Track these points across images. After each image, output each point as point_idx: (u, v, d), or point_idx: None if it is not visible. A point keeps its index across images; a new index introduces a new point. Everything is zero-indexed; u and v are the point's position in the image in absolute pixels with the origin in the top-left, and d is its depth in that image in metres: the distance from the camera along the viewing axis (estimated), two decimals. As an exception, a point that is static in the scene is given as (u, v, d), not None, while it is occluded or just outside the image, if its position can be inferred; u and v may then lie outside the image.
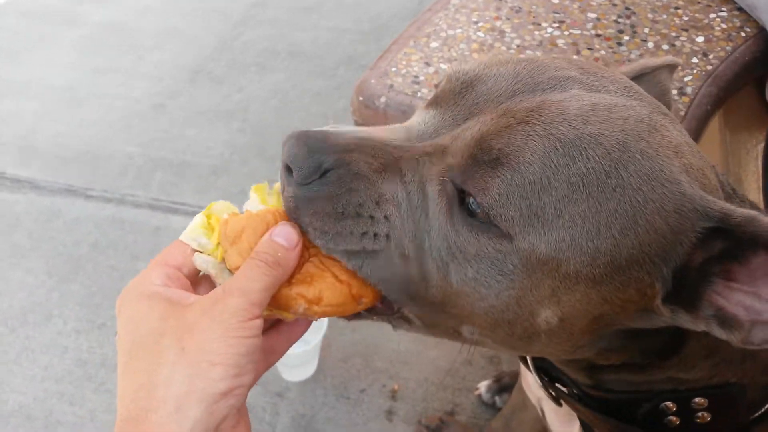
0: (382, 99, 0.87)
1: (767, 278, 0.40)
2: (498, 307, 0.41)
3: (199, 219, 0.46)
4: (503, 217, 0.39)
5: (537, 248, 0.39)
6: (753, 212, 0.40)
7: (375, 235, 0.42)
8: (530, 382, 0.75)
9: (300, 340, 1.33)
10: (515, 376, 1.24)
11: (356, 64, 1.94)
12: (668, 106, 0.53)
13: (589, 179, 0.39)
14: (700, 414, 0.51)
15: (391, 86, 0.88)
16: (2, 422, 1.22)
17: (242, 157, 1.70)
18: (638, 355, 0.49)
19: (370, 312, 0.47)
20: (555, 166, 0.38)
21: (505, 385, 1.23)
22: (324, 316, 0.44)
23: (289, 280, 0.43)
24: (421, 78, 0.90)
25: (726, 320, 0.41)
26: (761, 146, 1.07)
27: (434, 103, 0.46)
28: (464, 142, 0.41)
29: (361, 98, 0.88)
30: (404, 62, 0.92)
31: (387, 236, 0.42)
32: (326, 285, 0.43)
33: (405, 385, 1.26)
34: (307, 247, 0.44)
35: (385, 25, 2.07)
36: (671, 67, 0.55)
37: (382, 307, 0.46)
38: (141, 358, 0.38)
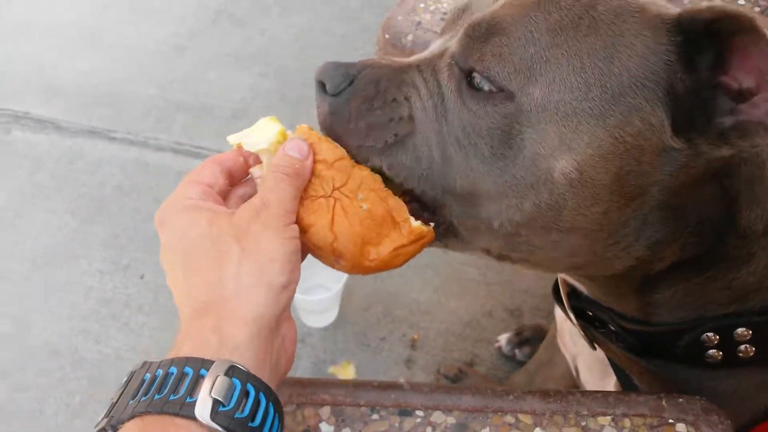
0: (409, 37, 0.83)
1: (760, 62, 0.40)
2: (518, 174, 0.44)
3: (269, 127, 0.49)
4: (501, 74, 0.44)
5: (535, 96, 0.43)
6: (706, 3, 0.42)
7: (400, 118, 0.47)
8: (566, 338, 0.74)
9: (322, 286, 1.32)
10: (537, 329, 1.22)
11: (382, 5, 1.87)
12: None
13: (565, 24, 0.43)
14: (743, 347, 0.50)
15: (419, 23, 0.84)
16: (30, 356, 1.25)
17: (264, 101, 1.67)
18: (692, 240, 0.47)
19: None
20: (534, 21, 0.44)
21: (526, 338, 1.22)
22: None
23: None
24: (452, 17, 0.85)
25: (747, 131, 0.42)
26: None
27: (441, 33, 0.52)
28: (461, 32, 0.47)
29: (387, 36, 0.84)
30: (433, -1, 0.87)
31: (410, 118, 0.47)
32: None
33: (425, 335, 1.26)
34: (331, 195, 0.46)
35: (414, -34, 1.99)
36: None
37: (429, 217, 0.49)
38: (203, 258, 0.42)
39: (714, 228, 0.47)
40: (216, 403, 0.37)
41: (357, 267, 0.46)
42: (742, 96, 0.42)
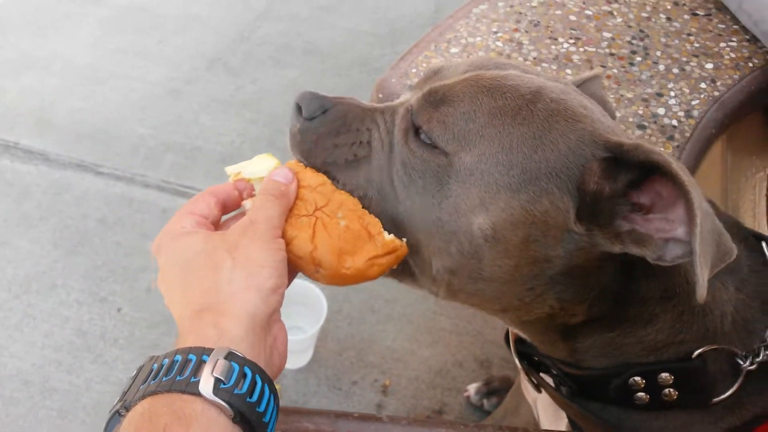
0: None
1: (669, 200, 0.48)
2: (443, 217, 0.51)
3: (265, 161, 0.56)
4: (441, 138, 0.51)
5: (465, 161, 0.50)
6: (639, 141, 0.49)
7: (361, 142, 0.55)
8: (528, 384, 0.78)
9: (299, 328, 1.35)
10: (505, 380, 1.26)
11: (370, 66, 1.98)
12: (611, 113, 0.59)
13: (505, 111, 0.50)
14: (666, 391, 0.55)
15: (411, 86, 0.91)
16: (0, 386, 1.24)
17: (252, 146, 1.73)
18: (597, 304, 0.54)
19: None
20: (480, 102, 0.51)
21: (494, 389, 1.26)
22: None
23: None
24: (439, 81, 0.93)
25: (639, 239, 0.48)
26: (760, 175, 1.11)
27: (413, 88, 0.60)
28: (421, 92, 0.55)
29: (380, 95, 0.91)
30: (424, 65, 0.95)
31: (369, 143, 0.55)
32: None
33: (396, 381, 1.29)
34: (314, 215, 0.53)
35: (401, 30, 2.11)
36: (598, 78, 0.66)
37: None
38: (200, 269, 0.47)
39: (615, 294, 0.54)
40: (217, 381, 0.41)
41: (335, 276, 0.51)
42: (641, 208, 0.49)
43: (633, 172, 0.49)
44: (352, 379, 1.29)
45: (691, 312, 0.55)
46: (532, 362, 0.64)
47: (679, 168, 0.46)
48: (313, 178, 0.53)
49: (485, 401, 1.25)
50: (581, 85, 0.62)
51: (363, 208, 0.53)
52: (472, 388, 1.26)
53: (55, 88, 1.89)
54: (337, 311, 1.36)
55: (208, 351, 0.42)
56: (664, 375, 0.55)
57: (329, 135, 0.54)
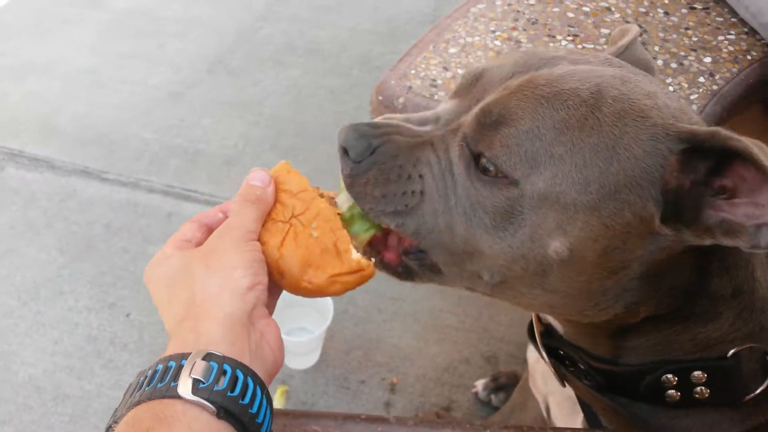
0: (401, 99, 0.91)
1: (754, 185, 0.45)
2: (513, 245, 0.49)
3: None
4: (507, 164, 0.47)
5: (537, 186, 0.47)
6: (714, 128, 0.46)
7: (413, 192, 0.51)
8: (537, 380, 0.78)
9: (305, 329, 1.36)
10: (512, 376, 1.27)
11: (371, 65, 1.98)
12: (652, 72, 0.58)
13: (570, 123, 0.47)
14: (698, 389, 0.54)
15: (410, 88, 0.92)
16: (13, 393, 1.26)
17: (256, 149, 1.74)
18: (665, 300, 0.52)
19: (412, 260, 0.54)
20: (542, 117, 0.47)
21: (502, 384, 1.27)
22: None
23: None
24: (439, 81, 0.93)
25: (730, 229, 0.46)
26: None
27: (454, 95, 0.55)
28: (474, 116, 0.51)
29: (380, 98, 0.91)
30: (423, 65, 0.95)
31: (422, 192, 0.51)
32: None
33: (404, 380, 1.30)
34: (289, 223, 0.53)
35: (401, 28, 2.11)
36: (637, 40, 0.61)
37: (419, 257, 0.54)
38: (179, 286, 0.49)
39: (686, 291, 0.52)
40: (196, 381, 0.42)
41: (296, 287, 0.52)
42: (725, 191, 0.47)
43: (711, 158, 0.46)
44: (359, 378, 1.30)
45: (750, 309, 0.54)
46: (558, 355, 0.63)
47: (761, 152, 0.44)
48: (296, 183, 0.54)
49: (493, 397, 1.25)
50: (623, 53, 0.59)
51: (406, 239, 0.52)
52: (479, 384, 1.27)
53: (58, 93, 1.90)
54: (344, 311, 1.37)
55: (187, 355, 0.44)
56: (698, 373, 0.54)
57: (378, 184, 0.51)
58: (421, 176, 0.52)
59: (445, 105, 0.55)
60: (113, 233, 1.54)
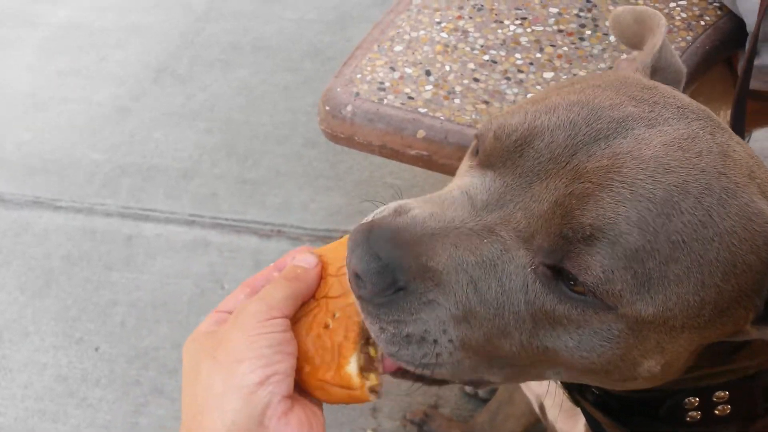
0: (349, 108, 0.86)
1: None
2: (599, 363, 0.41)
3: None
4: (610, 292, 0.38)
5: (644, 312, 0.39)
6: None
7: (437, 354, 0.42)
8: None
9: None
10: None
11: (322, 56, 1.92)
12: (682, 78, 0.52)
13: (688, 234, 0.38)
14: (720, 407, 0.51)
15: (357, 94, 0.87)
16: (-16, 445, 1.21)
17: (212, 158, 1.68)
18: (709, 359, 0.48)
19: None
20: (653, 228, 0.37)
21: (487, 375, 1.25)
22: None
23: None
24: (387, 84, 0.89)
25: None
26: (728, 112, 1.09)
27: (488, 164, 0.43)
28: (545, 219, 0.40)
29: (327, 108, 0.87)
30: (369, 68, 0.91)
31: (450, 354, 0.42)
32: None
33: (388, 380, 1.28)
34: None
35: (349, 12, 2.05)
36: (666, 41, 0.52)
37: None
38: (187, 384, 0.45)
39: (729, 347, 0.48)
40: None
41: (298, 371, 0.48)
42: None
43: None
44: (343, 386, 1.27)
45: None
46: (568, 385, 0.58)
47: None
48: (340, 261, 0.48)
49: (479, 390, 1.24)
50: (657, 64, 0.51)
51: None
52: (465, 379, 1.25)
53: (-2, 122, 1.81)
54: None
55: None
56: (720, 393, 0.51)
57: (398, 336, 0.41)
58: (451, 341, 0.42)
59: (477, 178, 0.43)
60: (73, 264, 1.48)
